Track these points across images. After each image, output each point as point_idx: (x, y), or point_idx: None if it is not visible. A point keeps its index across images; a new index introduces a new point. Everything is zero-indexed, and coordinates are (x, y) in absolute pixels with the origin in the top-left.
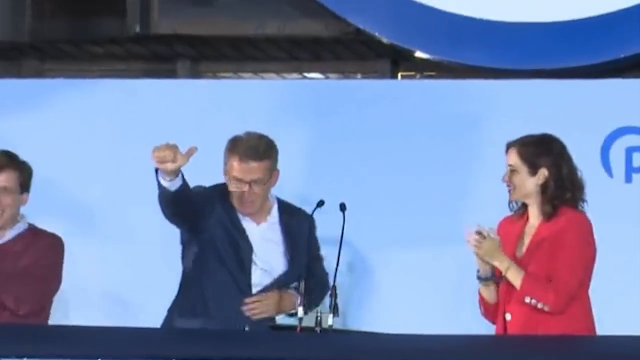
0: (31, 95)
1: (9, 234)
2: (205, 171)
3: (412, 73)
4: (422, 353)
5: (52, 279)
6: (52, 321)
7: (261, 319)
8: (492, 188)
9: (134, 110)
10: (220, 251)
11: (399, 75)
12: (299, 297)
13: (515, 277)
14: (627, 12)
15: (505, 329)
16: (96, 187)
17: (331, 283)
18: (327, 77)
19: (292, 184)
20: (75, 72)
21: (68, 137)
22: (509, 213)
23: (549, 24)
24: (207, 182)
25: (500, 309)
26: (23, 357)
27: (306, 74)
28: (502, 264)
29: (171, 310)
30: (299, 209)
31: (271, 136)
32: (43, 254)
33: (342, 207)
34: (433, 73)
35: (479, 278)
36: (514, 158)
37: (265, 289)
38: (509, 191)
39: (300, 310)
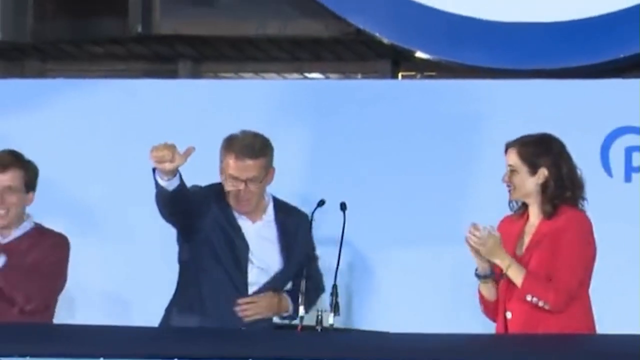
0: (33, 95)
1: (15, 233)
2: (206, 171)
3: (413, 73)
4: (422, 352)
5: (58, 278)
6: (55, 320)
7: (255, 320)
8: (492, 188)
9: (135, 111)
10: (217, 250)
11: (400, 75)
12: (300, 298)
13: (516, 275)
14: (627, 12)
15: (505, 327)
16: (97, 186)
17: (326, 283)
18: (327, 77)
19: (292, 184)
20: (76, 73)
21: (69, 137)
22: (509, 212)
23: (549, 24)
24: (209, 182)
25: (500, 307)
26: (26, 356)
27: (307, 74)
28: (503, 261)
29: (168, 309)
30: (295, 208)
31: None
32: (48, 253)
33: (343, 207)
34: (433, 73)
35: (477, 275)
36: (513, 158)
37: (262, 288)
38: (509, 191)
39: (301, 309)
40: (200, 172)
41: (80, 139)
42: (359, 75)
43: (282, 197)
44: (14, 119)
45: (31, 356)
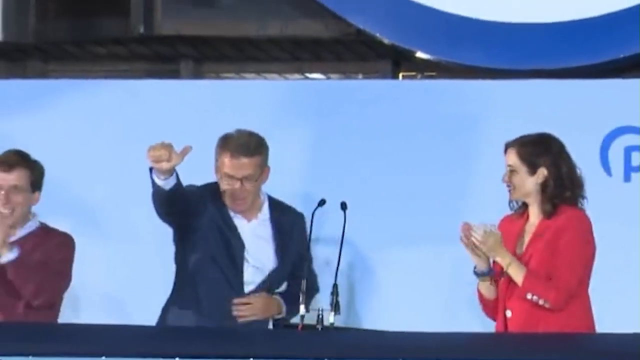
0: (35, 96)
1: (20, 232)
2: (208, 170)
3: (414, 73)
4: (422, 350)
5: (63, 277)
6: (59, 319)
7: (250, 322)
8: (493, 188)
9: (137, 111)
10: (213, 249)
11: (400, 75)
12: (300, 297)
13: (517, 273)
14: (627, 12)
15: (505, 325)
16: (99, 186)
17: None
18: (328, 78)
19: (293, 184)
20: (79, 73)
21: (72, 137)
22: (509, 212)
23: (549, 24)
24: (211, 182)
25: (500, 305)
26: (28, 355)
27: (308, 75)
28: (504, 259)
29: (165, 309)
30: (290, 207)
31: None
32: (54, 252)
33: (343, 206)
34: (434, 73)
35: (476, 273)
36: (513, 158)
37: (258, 287)
38: (509, 191)
39: (301, 308)
40: (202, 172)
41: (82, 139)
42: (360, 76)
43: (283, 196)
44: (17, 120)
45: (34, 355)
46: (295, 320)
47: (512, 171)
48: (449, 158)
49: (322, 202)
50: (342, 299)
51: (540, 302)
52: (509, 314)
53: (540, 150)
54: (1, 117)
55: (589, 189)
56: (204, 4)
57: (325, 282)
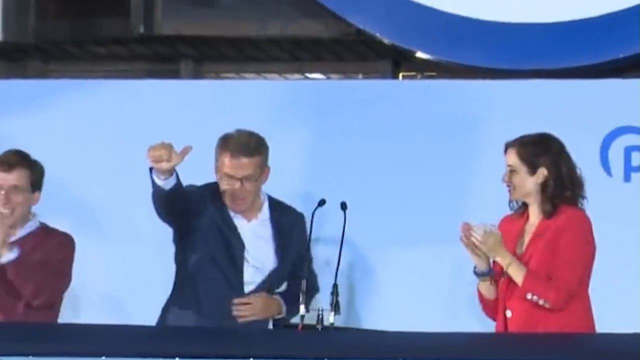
0: (35, 96)
1: (20, 232)
2: (209, 170)
3: (414, 73)
4: (422, 350)
5: (63, 277)
6: (59, 319)
7: (250, 322)
8: (493, 187)
9: (137, 111)
10: (213, 249)
11: (400, 75)
12: (301, 297)
13: (517, 273)
14: (627, 12)
15: (505, 325)
16: (99, 186)
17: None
18: (328, 78)
19: (293, 183)
20: (79, 73)
21: (72, 137)
22: (509, 212)
23: (549, 24)
24: (212, 181)
25: (500, 305)
26: (28, 355)
27: (308, 75)
28: (504, 259)
29: (165, 309)
30: (290, 207)
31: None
32: (54, 252)
33: (343, 206)
34: (434, 73)
35: (476, 273)
36: (513, 158)
37: (258, 286)
38: (509, 191)
39: (302, 308)
40: (202, 172)
41: (82, 139)
42: (360, 76)
43: (283, 196)
44: (17, 120)
45: (34, 355)
46: (295, 320)
47: (512, 171)
48: (449, 158)
49: (322, 202)
50: (342, 299)
51: (540, 302)
52: (509, 314)
53: (540, 150)
54: (1, 117)
55: (589, 189)
56: (204, 4)
57: (325, 282)
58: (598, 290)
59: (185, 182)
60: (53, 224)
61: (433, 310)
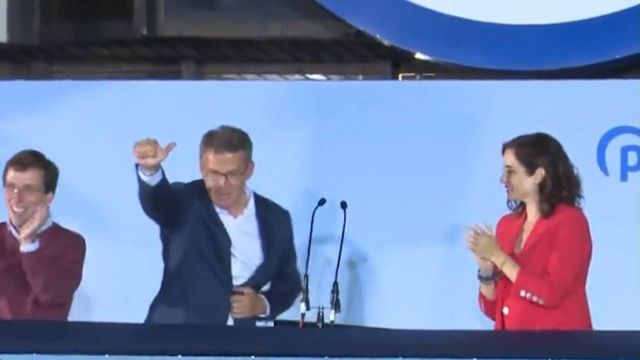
0: (40, 97)
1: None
2: None
3: (413, 74)
4: (422, 348)
5: (73, 276)
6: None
7: (238, 319)
8: (491, 187)
9: (140, 111)
10: (200, 245)
11: (400, 76)
12: (301, 296)
13: (511, 271)
14: (627, 12)
15: (503, 323)
16: (103, 186)
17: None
18: (328, 79)
19: (293, 183)
20: (82, 74)
21: (75, 138)
22: (507, 211)
23: (549, 25)
24: None
25: (498, 303)
26: (32, 352)
27: (308, 76)
28: (498, 258)
29: (153, 305)
30: (276, 204)
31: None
32: (63, 253)
33: (343, 205)
34: (433, 74)
35: (480, 277)
36: (510, 159)
37: (245, 282)
38: (507, 191)
39: (302, 306)
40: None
41: (85, 139)
42: (360, 77)
43: (283, 196)
44: (21, 121)
45: (37, 352)
46: (296, 317)
47: (510, 171)
48: (448, 158)
49: (322, 202)
50: (342, 297)
51: (534, 299)
52: (506, 311)
53: (538, 150)
54: (6, 118)
55: (586, 188)
56: (206, 6)
57: (325, 280)
58: (595, 289)
59: (185, 182)
60: (59, 223)
61: (432, 308)
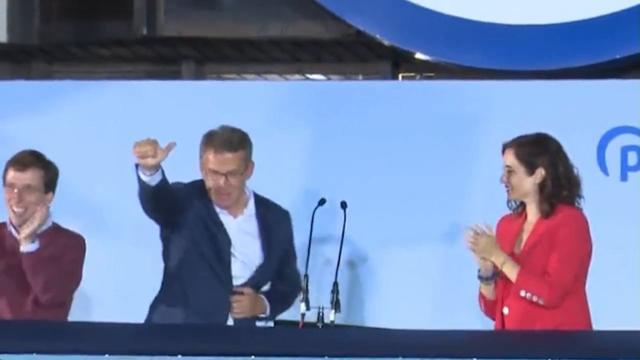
0: (40, 97)
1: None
2: None
3: (413, 74)
4: (422, 348)
5: (73, 277)
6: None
7: (239, 319)
8: (491, 187)
9: (140, 111)
10: (200, 245)
11: (400, 76)
12: (301, 296)
13: (510, 271)
14: (627, 12)
15: (503, 323)
16: (103, 186)
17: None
18: (328, 79)
19: (293, 183)
20: (82, 74)
21: (75, 138)
22: (507, 211)
23: (549, 25)
24: None
25: (498, 303)
26: (32, 352)
27: (308, 76)
28: (498, 258)
29: (153, 305)
30: (276, 205)
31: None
32: (64, 252)
33: (343, 205)
34: (433, 74)
35: (480, 277)
36: (510, 159)
37: (245, 282)
38: (507, 191)
39: (302, 306)
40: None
41: (85, 139)
42: (360, 77)
43: (283, 196)
44: (21, 121)
45: (37, 352)
46: (296, 317)
47: (510, 171)
48: (448, 158)
49: (322, 202)
50: (342, 297)
51: (534, 299)
52: (506, 311)
53: (538, 150)
54: (6, 118)
55: (586, 188)
56: (206, 6)
57: (325, 280)
58: (595, 289)
59: (185, 182)
60: (58, 223)
61: (432, 308)
